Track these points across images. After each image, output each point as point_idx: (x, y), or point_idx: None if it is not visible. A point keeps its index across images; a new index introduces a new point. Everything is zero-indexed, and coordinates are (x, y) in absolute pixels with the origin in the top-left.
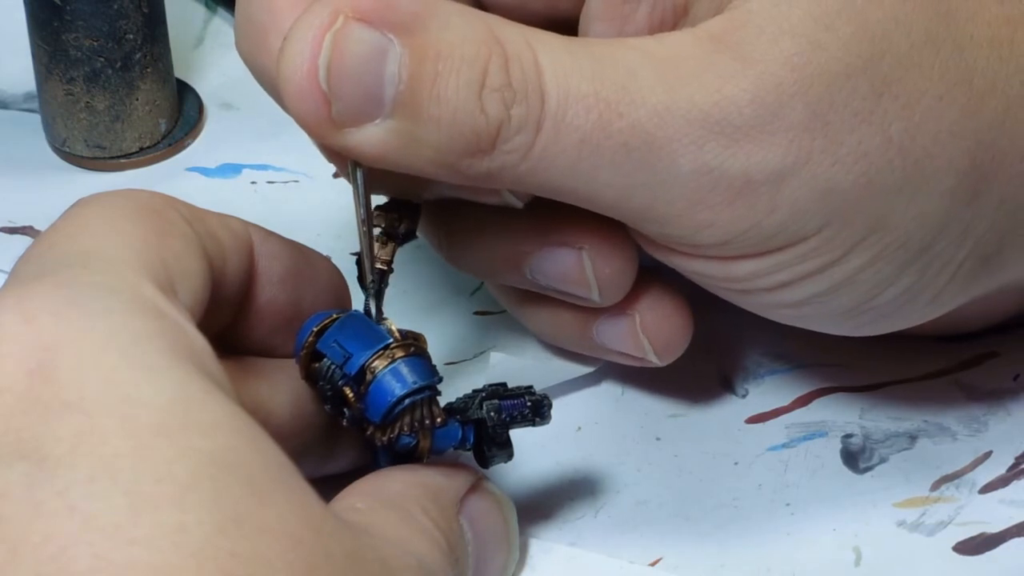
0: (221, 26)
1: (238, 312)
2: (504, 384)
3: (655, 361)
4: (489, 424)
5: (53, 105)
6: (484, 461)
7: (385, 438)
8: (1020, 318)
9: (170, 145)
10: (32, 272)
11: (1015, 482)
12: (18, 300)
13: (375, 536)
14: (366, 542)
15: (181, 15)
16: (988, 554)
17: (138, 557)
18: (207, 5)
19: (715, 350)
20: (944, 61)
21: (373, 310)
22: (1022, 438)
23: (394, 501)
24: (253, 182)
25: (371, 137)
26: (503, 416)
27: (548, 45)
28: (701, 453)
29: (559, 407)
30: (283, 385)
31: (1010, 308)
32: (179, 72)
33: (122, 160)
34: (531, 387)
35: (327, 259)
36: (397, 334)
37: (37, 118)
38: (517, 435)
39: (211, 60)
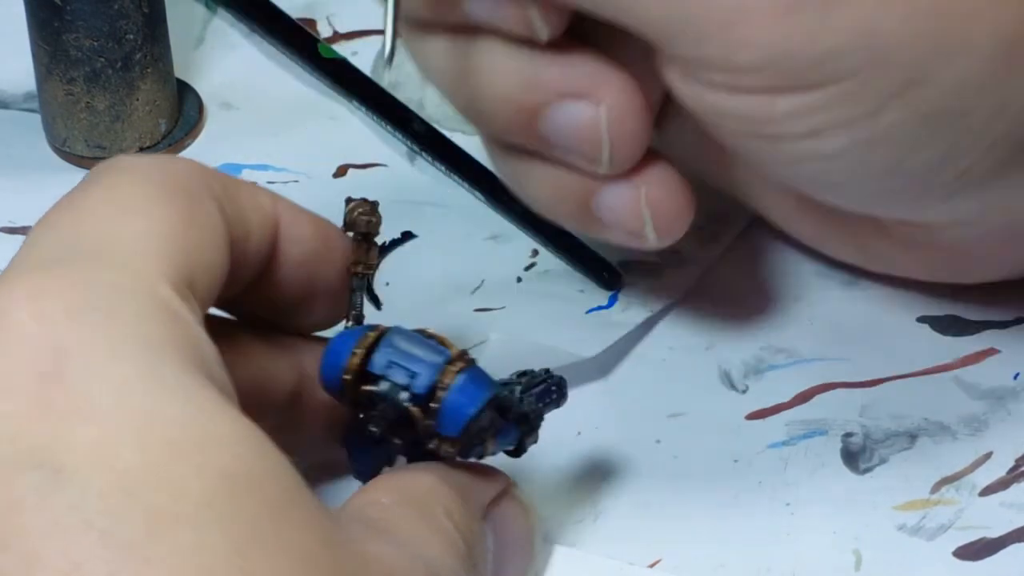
0: (221, 26)
1: (248, 286)
2: (517, 373)
3: (651, 239)
4: (532, 417)
5: (53, 105)
6: (520, 451)
7: (456, 450)
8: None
9: (170, 145)
10: (46, 256)
11: (1015, 484)
12: (31, 294)
13: (388, 537)
14: (373, 555)
15: (181, 15)
16: (989, 559)
17: None
18: (207, 5)
19: (715, 344)
20: None
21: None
22: (1022, 438)
23: (419, 499)
24: (253, 182)
25: None
26: (540, 406)
27: None
28: (701, 451)
29: (560, 410)
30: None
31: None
32: (179, 72)
33: None
34: (535, 370)
35: (347, 238)
36: (450, 345)
37: (37, 118)
38: None
39: (211, 60)
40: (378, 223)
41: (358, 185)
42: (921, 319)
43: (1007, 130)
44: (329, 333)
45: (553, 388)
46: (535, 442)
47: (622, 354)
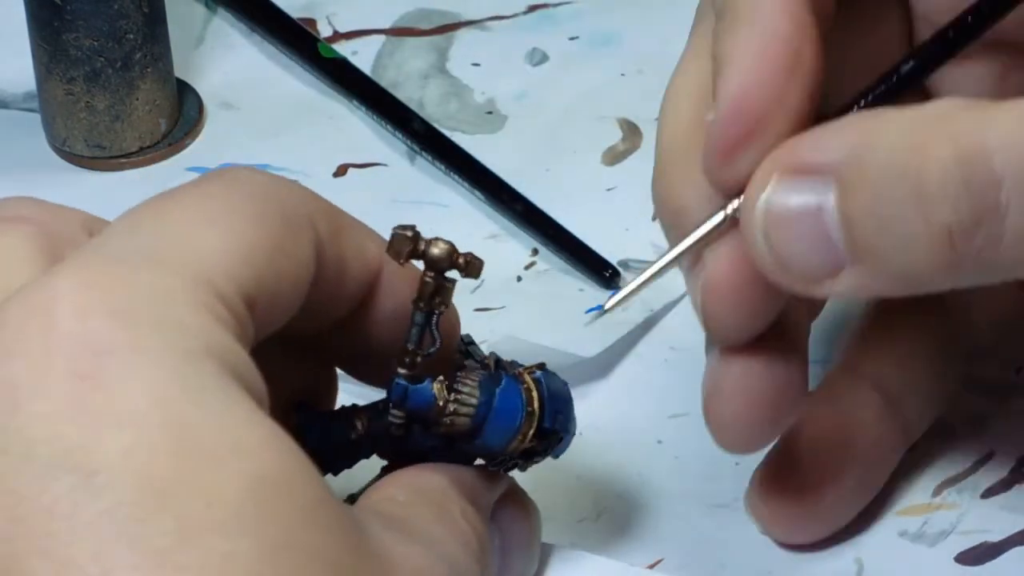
0: (221, 26)
1: (339, 325)
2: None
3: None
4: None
5: (53, 105)
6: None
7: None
8: None
9: (170, 145)
10: (108, 252)
11: (1017, 487)
12: (78, 289)
13: (411, 537)
14: (400, 556)
15: (181, 15)
16: (989, 564)
17: None
18: (207, 5)
19: None
20: None
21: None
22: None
23: (434, 498)
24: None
25: (842, 285)
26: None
27: (997, 121)
28: (702, 453)
29: None
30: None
31: None
32: (179, 72)
33: (122, 160)
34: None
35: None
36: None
37: (37, 118)
38: None
39: (211, 60)
40: (477, 266)
41: (358, 185)
42: None
43: None
44: None
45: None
46: None
47: (623, 354)
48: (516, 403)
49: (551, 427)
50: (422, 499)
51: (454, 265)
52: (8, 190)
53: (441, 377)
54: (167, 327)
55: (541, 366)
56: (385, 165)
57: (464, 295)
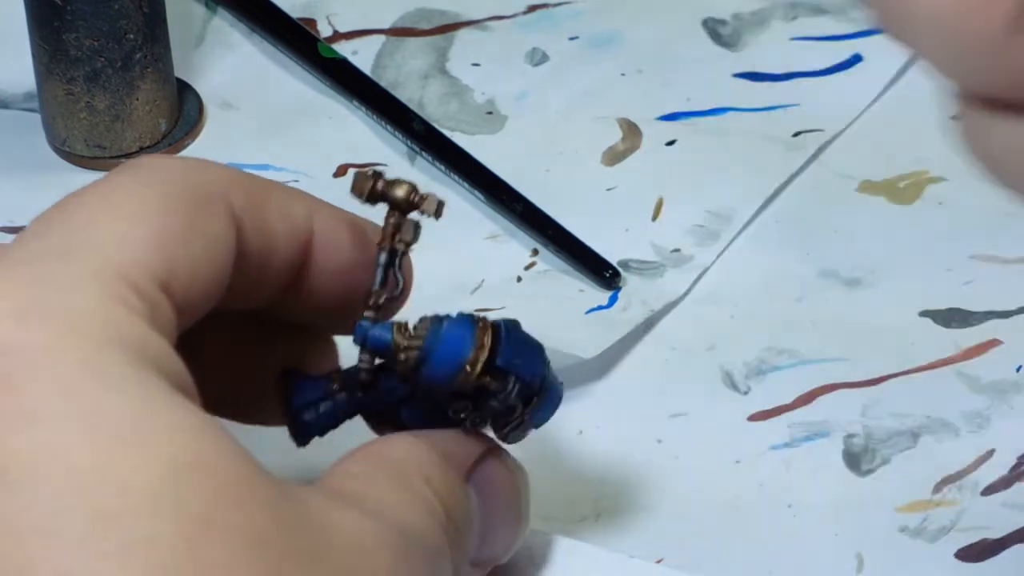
0: (221, 26)
1: (281, 293)
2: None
3: None
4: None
5: (53, 105)
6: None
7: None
8: None
9: (170, 145)
10: (19, 255)
11: (1017, 484)
12: None
13: (356, 507)
14: (336, 526)
15: (181, 15)
16: (990, 561)
17: (105, 573)
18: (207, 5)
19: (717, 345)
20: None
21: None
22: None
23: (394, 466)
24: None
25: None
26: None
27: None
28: (702, 452)
29: (560, 410)
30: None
31: None
32: (179, 72)
33: (122, 160)
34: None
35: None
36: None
37: (37, 118)
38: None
39: (211, 60)
40: (435, 204)
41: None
42: (923, 313)
43: None
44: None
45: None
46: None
47: (623, 354)
48: (465, 335)
49: (504, 366)
50: (380, 470)
51: (411, 204)
52: (8, 190)
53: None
54: (75, 320)
55: (514, 322)
56: (385, 165)
57: (464, 296)
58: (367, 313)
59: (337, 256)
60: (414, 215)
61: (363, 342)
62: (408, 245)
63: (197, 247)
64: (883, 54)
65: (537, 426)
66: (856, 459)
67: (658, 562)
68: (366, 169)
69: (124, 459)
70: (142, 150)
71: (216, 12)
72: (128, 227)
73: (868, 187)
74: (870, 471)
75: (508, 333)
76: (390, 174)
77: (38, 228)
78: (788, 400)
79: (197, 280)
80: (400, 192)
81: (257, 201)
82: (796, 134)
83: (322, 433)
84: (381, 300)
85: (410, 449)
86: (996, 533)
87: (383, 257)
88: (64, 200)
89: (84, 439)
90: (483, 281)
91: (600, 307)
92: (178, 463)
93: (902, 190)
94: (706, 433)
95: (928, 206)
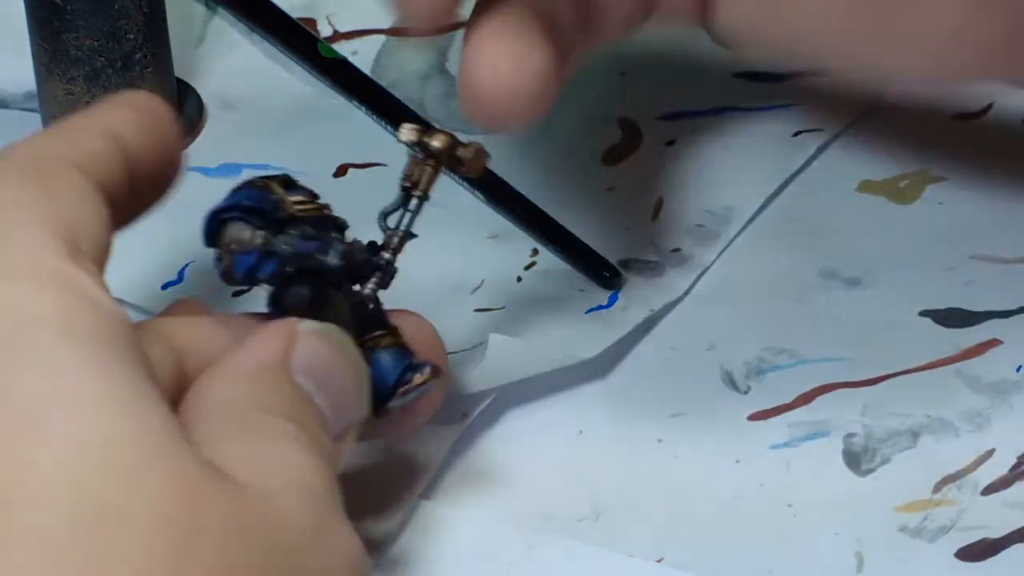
0: (221, 26)
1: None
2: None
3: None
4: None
5: (53, 105)
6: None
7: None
8: None
9: None
10: None
11: (1017, 483)
12: None
13: (257, 485)
14: (249, 496)
15: (181, 15)
16: (990, 560)
17: None
18: (207, 5)
19: (717, 345)
20: None
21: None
22: None
23: (228, 412)
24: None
25: None
26: (297, 250)
27: None
28: (702, 451)
29: (560, 410)
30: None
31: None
32: (179, 72)
33: None
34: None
35: None
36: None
37: (37, 118)
38: (518, 436)
39: (211, 60)
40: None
41: (358, 185)
42: (923, 313)
43: None
44: None
45: (323, 246)
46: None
47: (623, 354)
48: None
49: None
50: (229, 430)
51: (453, 159)
52: None
53: None
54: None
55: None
56: (385, 165)
57: (464, 296)
58: (383, 252)
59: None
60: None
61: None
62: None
63: (72, 200)
64: None
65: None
66: (856, 458)
67: (658, 562)
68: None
69: (24, 446)
70: None
71: (216, 12)
72: (23, 201)
73: (868, 187)
74: (870, 471)
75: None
76: (390, 174)
77: None
78: (788, 400)
79: (90, 230)
80: (437, 143)
81: (72, 139)
82: (796, 134)
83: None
84: (396, 242)
85: (230, 383)
86: (996, 533)
87: (412, 203)
88: None
89: None
90: (483, 281)
91: (600, 307)
92: (81, 445)
93: (902, 190)
94: (706, 432)
95: (928, 206)
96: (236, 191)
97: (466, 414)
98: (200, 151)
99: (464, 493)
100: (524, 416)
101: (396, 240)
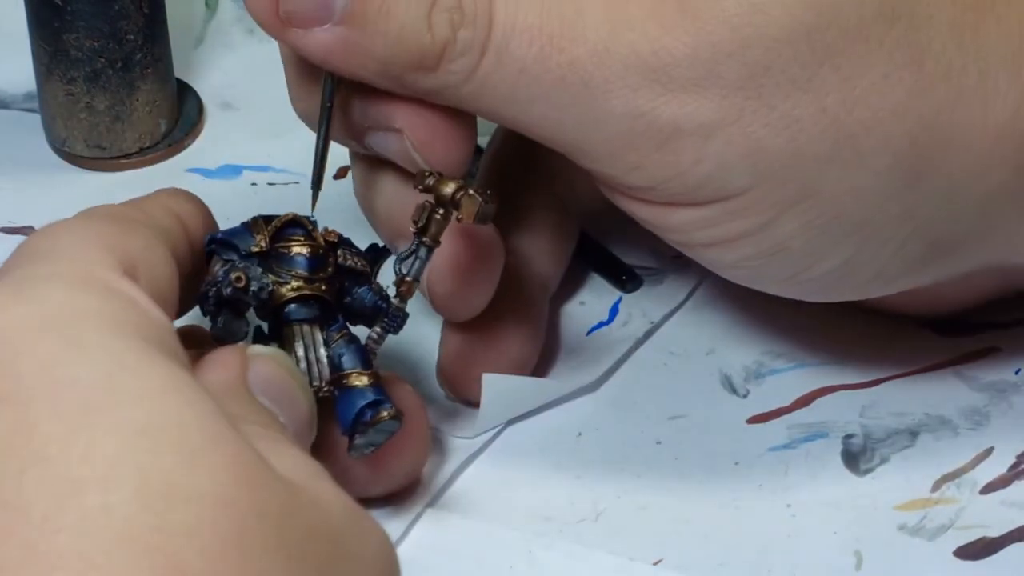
0: (221, 26)
1: None
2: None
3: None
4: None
5: (53, 105)
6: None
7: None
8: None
9: (170, 145)
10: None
11: (1016, 482)
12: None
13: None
14: (304, 487)
15: (181, 15)
16: (989, 559)
17: (64, 545)
18: (207, 5)
19: (717, 349)
20: (896, 39)
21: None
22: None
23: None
24: (253, 183)
25: (318, 40)
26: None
27: None
28: (702, 454)
29: (560, 413)
30: None
31: (992, 289)
32: (179, 72)
33: (122, 160)
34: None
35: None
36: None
37: (37, 118)
38: (518, 439)
39: (211, 60)
40: (480, 208)
41: None
42: (923, 320)
43: (916, 234)
44: None
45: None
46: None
47: (623, 358)
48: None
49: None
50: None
51: (452, 202)
52: (8, 190)
53: None
54: (52, 299)
55: None
56: None
57: None
58: (394, 299)
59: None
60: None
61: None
62: (430, 242)
63: (141, 241)
64: None
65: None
66: (855, 459)
67: (658, 562)
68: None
69: (89, 427)
70: (142, 150)
71: (216, 12)
72: (91, 231)
73: None
74: (869, 470)
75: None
76: None
77: (11, 258)
78: (787, 402)
79: (151, 268)
80: (446, 189)
81: (149, 211)
82: None
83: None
84: (403, 289)
85: (227, 374)
86: (995, 532)
87: (422, 251)
88: (24, 243)
89: (52, 411)
90: None
91: (601, 323)
92: (144, 425)
93: None
94: (705, 435)
95: None
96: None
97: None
98: (200, 151)
99: (465, 496)
100: (524, 418)
101: (404, 287)
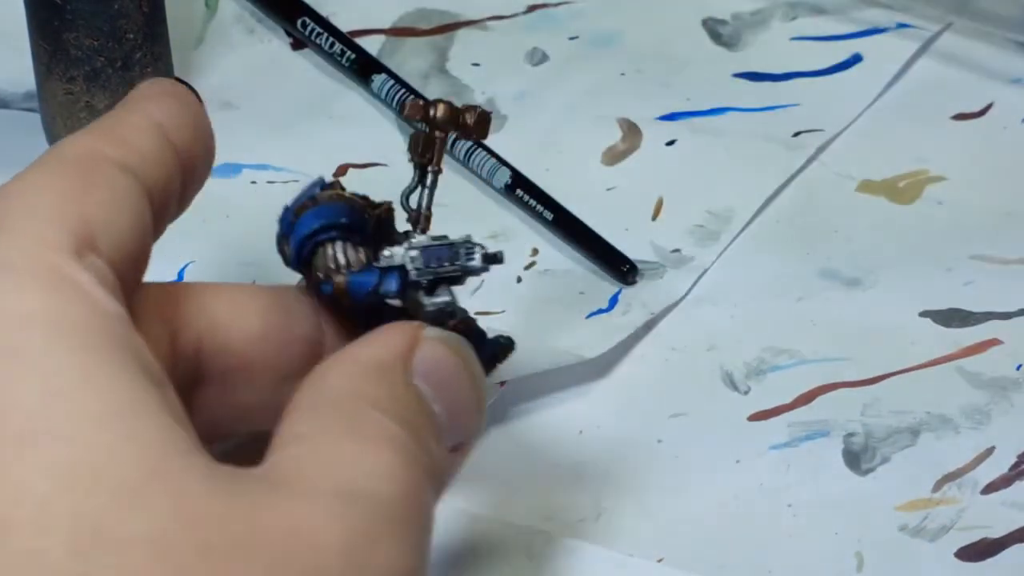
0: (221, 26)
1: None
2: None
3: None
4: (411, 270)
5: (53, 104)
6: (417, 314)
7: (308, 285)
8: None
9: None
10: None
11: (1017, 482)
12: None
13: (297, 490)
14: (275, 510)
15: (181, 15)
16: (990, 560)
17: None
18: (207, 5)
19: (717, 345)
20: None
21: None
22: None
23: (338, 405)
24: (253, 182)
25: None
26: (426, 262)
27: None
28: (703, 451)
29: (561, 410)
30: (248, 305)
31: None
32: (179, 72)
33: None
34: (468, 237)
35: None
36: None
37: (37, 117)
38: (519, 436)
39: (211, 60)
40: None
41: (358, 185)
42: (923, 314)
43: None
44: None
45: (456, 250)
46: (446, 308)
47: (623, 354)
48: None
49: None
50: (324, 417)
51: (459, 125)
52: None
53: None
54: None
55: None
56: (385, 165)
57: (464, 298)
58: (413, 232)
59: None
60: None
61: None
62: (438, 163)
63: (103, 198)
64: (883, 54)
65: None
66: (856, 458)
67: (658, 562)
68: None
69: (23, 462)
70: None
71: (216, 12)
72: (32, 201)
73: (868, 187)
74: (870, 470)
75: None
76: (390, 174)
77: None
78: (788, 400)
79: (115, 230)
80: (441, 112)
81: (128, 144)
82: (796, 134)
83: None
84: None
85: (342, 371)
86: (996, 532)
87: (429, 179)
88: None
89: None
90: (483, 282)
91: (600, 310)
92: (81, 462)
93: (902, 190)
94: (706, 433)
95: (928, 206)
96: (315, 208)
97: None
98: None
99: (464, 493)
100: (525, 416)
101: (423, 218)
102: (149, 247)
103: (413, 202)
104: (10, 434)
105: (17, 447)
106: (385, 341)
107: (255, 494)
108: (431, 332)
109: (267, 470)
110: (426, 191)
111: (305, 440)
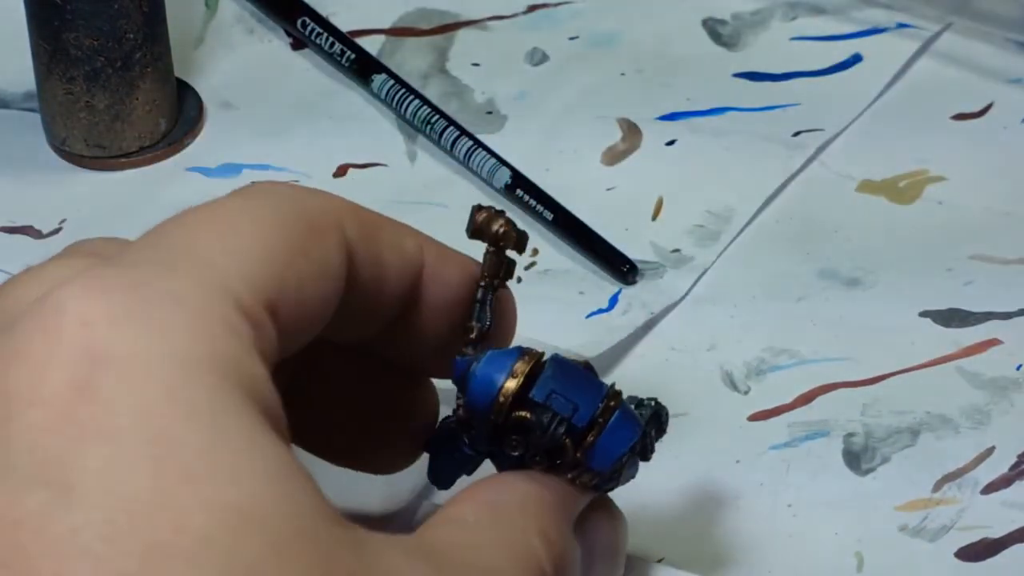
0: (221, 26)
1: (389, 327)
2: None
3: None
4: (650, 451)
5: (53, 104)
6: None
7: (594, 483)
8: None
9: (170, 145)
10: (127, 259)
11: (1017, 482)
12: (85, 294)
13: (453, 568)
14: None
15: (181, 15)
16: (990, 560)
17: None
18: (207, 5)
19: (717, 345)
20: None
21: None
22: None
23: (509, 517)
24: (253, 182)
25: None
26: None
27: None
28: (702, 451)
29: None
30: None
31: None
32: (179, 72)
33: (122, 159)
34: (643, 399)
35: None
36: (597, 375)
37: (37, 117)
38: None
39: (211, 60)
40: (514, 237)
41: (358, 185)
42: (923, 313)
43: None
44: None
45: (663, 419)
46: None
47: (623, 354)
48: (503, 364)
49: (540, 399)
50: (493, 518)
51: (497, 237)
52: (8, 190)
53: None
54: (169, 334)
55: (583, 362)
56: (385, 165)
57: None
58: (466, 349)
59: (444, 292)
60: (510, 252)
61: (459, 379)
62: (498, 281)
63: (307, 271)
64: (883, 54)
65: (608, 476)
66: (856, 458)
67: (658, 562)
68: (487, 208)
69: (185, 496)
70: (142, 150)
71: (216, 12)
72: (239, 244)
73: (868, 187)
74: (870, 470)
75: (556, 367)
76: (390, 174)
77: (151, 237)
78: (788, 400)
79: (304, 305)
80: (494, 226)
81: (369, 232)
82: (796, 134)
83: (466, 473)
84: (473, 335)
85: (529, 495)
86: (996, 532)
87: (479, 293)
88: (179, 213)
89: (150, 467)
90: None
91: (600, 310)
92: (240, 507)
93: (902, 190)
94: (706, 433)
95: (928, 206)
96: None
97: None
98: (200, 151)
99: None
100: None
101: (479, 338)
102: (326, 320)
103: (477, 321)
104: (177, 466)
105: (183, 480)
106: (574, 492)
107: (397, 567)
108: (611, 502)
109: (419, 541)
110: (486, 308)
111: (468, 529)
